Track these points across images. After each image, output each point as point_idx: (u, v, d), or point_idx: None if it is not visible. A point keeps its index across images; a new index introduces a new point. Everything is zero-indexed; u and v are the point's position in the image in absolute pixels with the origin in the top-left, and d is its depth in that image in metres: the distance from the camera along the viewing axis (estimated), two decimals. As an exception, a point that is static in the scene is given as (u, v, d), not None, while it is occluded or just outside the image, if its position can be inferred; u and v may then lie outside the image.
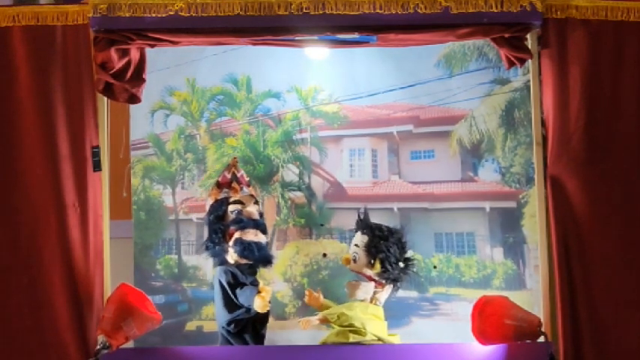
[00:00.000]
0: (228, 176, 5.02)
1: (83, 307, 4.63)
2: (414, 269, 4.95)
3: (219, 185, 5.04)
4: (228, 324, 4.84)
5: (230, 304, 4.84)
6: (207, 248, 4.96)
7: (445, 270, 5.45)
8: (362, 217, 4.96)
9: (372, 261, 4.84)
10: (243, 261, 4.86)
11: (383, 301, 4.91)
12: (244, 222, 4.89)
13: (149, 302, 4.67)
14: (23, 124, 4.70)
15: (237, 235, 4.87)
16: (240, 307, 4.82)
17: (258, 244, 4.87)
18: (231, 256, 4.88)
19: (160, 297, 5.41)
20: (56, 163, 4.68)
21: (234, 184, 4.99)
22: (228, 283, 4.83)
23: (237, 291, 4.81)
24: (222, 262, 4.92)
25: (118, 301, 4.56)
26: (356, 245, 4.91)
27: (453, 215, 5.51)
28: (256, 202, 5.03)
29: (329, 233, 5.54)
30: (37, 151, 4.68)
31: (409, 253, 4.93)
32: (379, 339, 4.79)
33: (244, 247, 4.83)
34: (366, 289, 4.88)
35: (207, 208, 5.01)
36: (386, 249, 4.82)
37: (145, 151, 5.55)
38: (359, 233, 4.93)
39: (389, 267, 4.82)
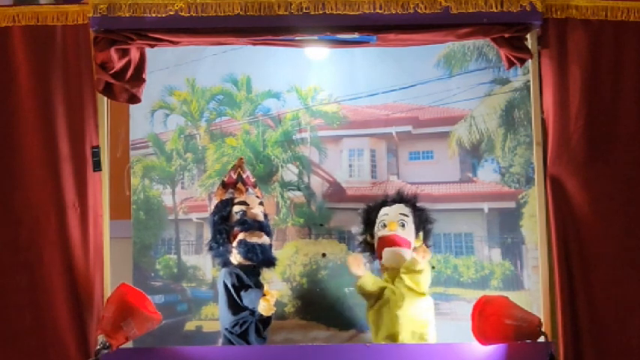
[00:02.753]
0: (234, 177, 5.02)
1: (83, 307, 4.65)
2: None
3: (224, 185, 5.04)
4: (233, 326, 4.84)
5: (234, 306, 4.84)
6: (211, 248, 4.97)
7: (443, 270, 5.45)
8: (406, 193, 5.16)
9: (418, 233, 5.06)
10: (247, 262, 4.86)
11: None
12: (248, 223, 4.89)
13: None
14: (23, 124, 4.71)
15: (241, 236, 4.87)
16: (245, 309, 4.83)
17: (261, 246, 4.88)
18: (235, 257, 4.89)
19: (159, 297, 5.40)
20: (56, 163, 4.69)
21: (240, 185, 4.99)
22: (233, 286, 4.83)
23: (242, 293, 4.81)
24: (226, 262, 4.92)
25: (118, 301, 4.56)
26: (404, 214, 5.05)
27: (452, 216, 5.51)
28: (261, 204, 5.03)
29: (328, 233, 5.53)
30: (37, 151, 4.70)
31: None
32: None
33: (248, 249, 4.83)
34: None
35: (212, 208, 5.03)
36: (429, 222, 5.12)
37: (145, 151, 5.53)
38: (401, 205, 5.10)
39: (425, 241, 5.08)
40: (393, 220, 5.02)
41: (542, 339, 4.58)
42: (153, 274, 5.49)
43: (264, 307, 4.70)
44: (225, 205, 4.97)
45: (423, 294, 4.91)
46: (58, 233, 4.66)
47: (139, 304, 4.59)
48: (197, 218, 5.53)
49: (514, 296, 4.89)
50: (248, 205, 4.96)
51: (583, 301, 4.65)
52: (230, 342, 4.85)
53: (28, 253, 4.66)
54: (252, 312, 4.81)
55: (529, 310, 4.77)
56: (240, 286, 4.83)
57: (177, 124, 5.57)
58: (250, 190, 5.02)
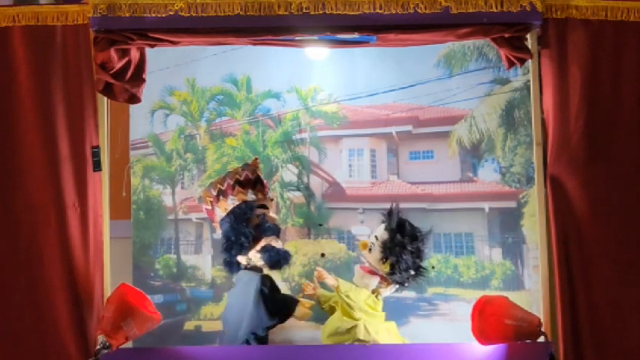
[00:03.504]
0: (252, 177, 4.90)
1: (83, 307, 4.64)
2: (423, 278, 5.01)
3: (242, 185, 4.87)
4: (264, 330, 4.80)
5: (270, 311, 4.79)
6: (229, 249, 4.83)
7: (443, 270, 5.45)
8: (392, 213, 4.96)
9: (384, 260, 4.88)
10: (263, 265, 4.84)
11: (384, 295, 4.97)
12: (272, 228, 4.85)
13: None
14: (23, 124, 4.70)
15: (265, 241, 4.82)
16: (277, 314, 4.80)
17: (285, 252, 4.85)
18: (246, 260, 4.85)
19: (158, 296, 5.41)
20: (56, 164, 4.68)
21: (260, 187, 4.90)
22: (270, 291, 4.81)
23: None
24: (231, 264, 4.86)
25: (117, 301, 4.56)
26: (375, 237, 4.95)
27: (452, 216, 5.51)
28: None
29: (327, 233, 5.54)
30: (37, 152, 4.69)
31: (425, 262, 4.98)
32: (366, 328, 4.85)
33: (280, 257, 4.80)
34: (369, 280, 4.94)
35: (228, 207, 4.86)
36: (399, 254, 4.86)
37: (145, 151, 5.55)
38: (383, 226, 4.95)
39: (397, 272, 4.87)
40: (366, 240, 5.00)
41: (542, 339, 4.58)
42: (152, 274, 5.50)
43: (303, 313, 4.78)
44: (250, 208, 4.83)
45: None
46: (58, 233, 4.65)
47: (138, 304, 4.58)
48: (197, 218, 5.54)
49: (514, 296, 4.90)
50: (267, 208, 4.91)
51: (583, 301, 4.64)
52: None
53: (28, 253, 4.65)
54: (286, 317, 4.83)
55: (530, 310, 4.77)
56: (273, 291, 4.83)
57: (177, 124, 5.58)
58: (268, 192, 4.98)
